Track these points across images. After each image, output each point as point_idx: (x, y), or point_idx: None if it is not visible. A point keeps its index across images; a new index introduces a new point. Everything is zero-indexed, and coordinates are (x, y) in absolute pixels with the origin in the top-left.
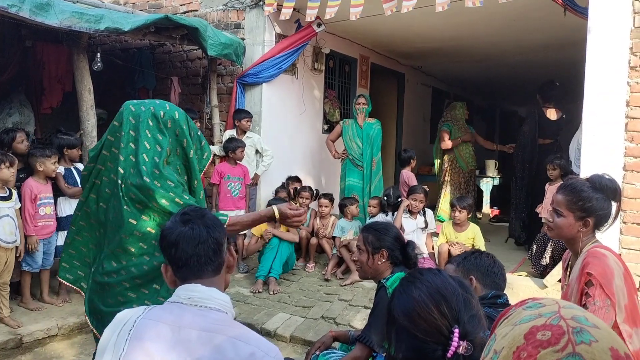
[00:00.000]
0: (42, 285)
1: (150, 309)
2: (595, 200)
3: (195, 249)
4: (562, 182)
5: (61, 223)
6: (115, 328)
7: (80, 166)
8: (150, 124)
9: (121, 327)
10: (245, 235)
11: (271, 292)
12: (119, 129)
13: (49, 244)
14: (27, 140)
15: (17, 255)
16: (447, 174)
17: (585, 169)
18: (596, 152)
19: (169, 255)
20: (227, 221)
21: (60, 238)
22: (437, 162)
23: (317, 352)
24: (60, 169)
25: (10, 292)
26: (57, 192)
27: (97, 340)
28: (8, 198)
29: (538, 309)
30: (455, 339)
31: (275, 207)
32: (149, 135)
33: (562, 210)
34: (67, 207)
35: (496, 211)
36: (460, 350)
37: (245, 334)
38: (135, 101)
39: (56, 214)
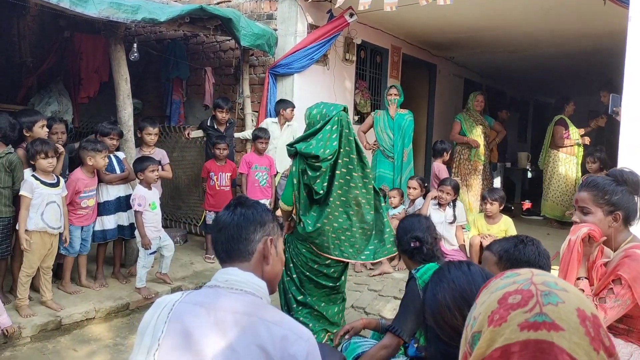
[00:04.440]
0: (80, 270)
1: (188, 293)
2: (621, 193)
3: (218, 235)
4: (596, 178)
5: (99, 209)
6: (154, 311)
7: (121, 155)
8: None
9: (160, 310)
10: None
11: None
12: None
13: (87, 231)
14: (64, 134)
15: (63, 240)
16: (459, 166)
17: (624, 163)
18: (636, 146)
19: None
20: None
21: (98, 224)
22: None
23: (347, 337)
24: None
25: None
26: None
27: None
28: (56, 185)
29: (513, 277)
30: None
31: None
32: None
33: (590, 207)
34: (105, 193)
35: (528, 204)
36: None
37: (279, 317)
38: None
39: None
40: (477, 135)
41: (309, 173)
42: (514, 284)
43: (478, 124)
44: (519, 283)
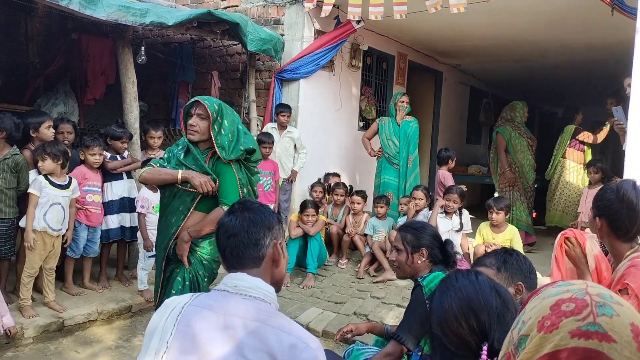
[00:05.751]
0: (84, 272)
1: (198, 296)
2: (607, 201)
3: (227, 241)
4: (602, 185)
5: (103, 208)
6: (163, 313)
7: (126, 154)
8: None
9: (169, 313)
10: None
11: (302, 287)
12: None
13: (94, 232)
14: (70, 134)
15: (64, 242)
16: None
17: (629, 174)
18: None
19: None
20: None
21: (104, 224)
22: (492, 166)
23: (349, 336)
24: (106, 154)
25: None
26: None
27: None
28: (65, 187)
29: (567, 286)
30: (484, 357)
31: (180, 172)
32: None
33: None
34: (110, 192)
35: (533, 214)
36: None
37: (288, 325)
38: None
39: None
40: (524, 149)
41: (252, 178)
42: (567, 292)
43: (524, 137)
44: (573, 292)
